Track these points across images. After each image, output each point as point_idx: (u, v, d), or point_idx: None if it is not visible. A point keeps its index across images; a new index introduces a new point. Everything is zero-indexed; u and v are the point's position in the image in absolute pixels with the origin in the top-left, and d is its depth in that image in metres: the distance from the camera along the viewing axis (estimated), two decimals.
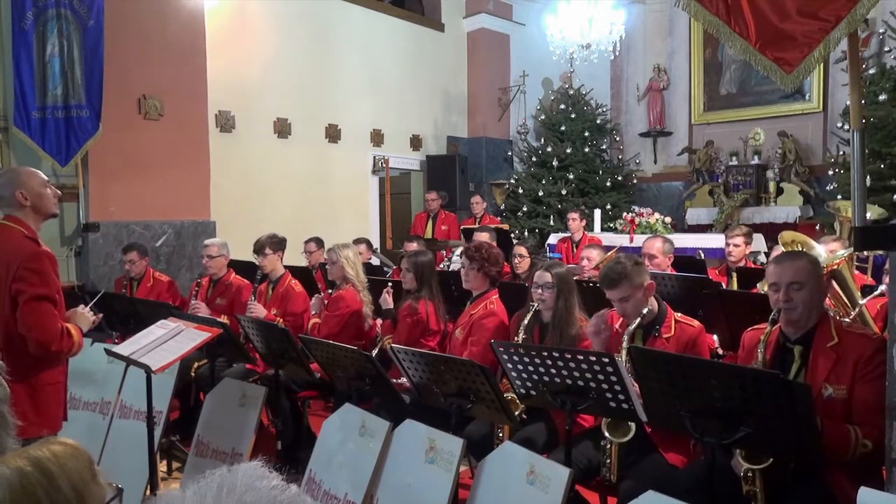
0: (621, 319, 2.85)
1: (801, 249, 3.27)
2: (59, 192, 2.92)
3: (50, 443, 1.15)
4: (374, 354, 3.18)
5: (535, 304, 3.06)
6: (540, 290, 3.06)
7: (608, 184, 9.67)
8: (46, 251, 2.73)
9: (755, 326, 2.49)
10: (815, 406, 1.96)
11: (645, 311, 2.70)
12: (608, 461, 2.52)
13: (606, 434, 2.50)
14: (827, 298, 3.00)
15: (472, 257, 3.56)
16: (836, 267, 3.02)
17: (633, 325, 2.68)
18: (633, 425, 2.48)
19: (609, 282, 2.71)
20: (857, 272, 3.67)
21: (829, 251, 3.51)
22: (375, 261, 7.00)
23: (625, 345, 2.62)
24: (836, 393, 2.15)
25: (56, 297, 2.70)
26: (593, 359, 2.24)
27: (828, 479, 2.11)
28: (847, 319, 2.92)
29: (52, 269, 2.71)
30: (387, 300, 3.96)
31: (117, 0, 5.84)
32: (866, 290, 3.24)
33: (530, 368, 2.40)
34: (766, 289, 3.56)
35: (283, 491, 0.82)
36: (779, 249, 4.01)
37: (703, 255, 5.98)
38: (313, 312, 4.26)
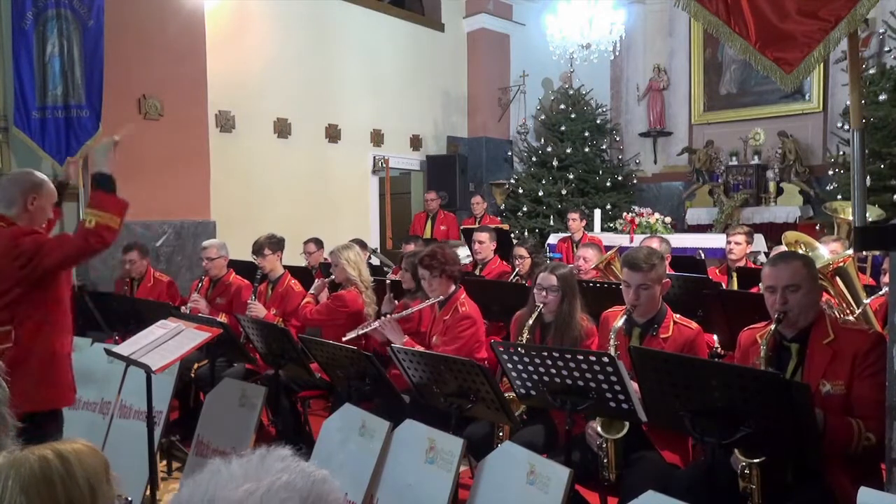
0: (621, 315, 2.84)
1: (804, 250, 3.28)
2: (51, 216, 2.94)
3: (73, 441, 1.22)
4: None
5: (539, 306, 3.05)
6: (544, 293, 3.04)
7: (608, 184, 9.67)
8: (28, 227, 2.75)
9: (751, 326, 2.50)
10: (814, 404, 1.96)
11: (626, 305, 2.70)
12: (605, 460, 2.52)
13: (601, 432, 2.50)
14: (831, 297, 3.01)
15: (430, 266, 3.45)
16: (841, 265, 3.02)
17: (619, 322, 2.67)
18: (626, 422, 2.48)
19: (636, 265, 2.69)
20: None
21: (831, 251, 3.51)
22: (375, 261, 7.00)
23: (612, 342, 2.63)
24: (835, 389, 2.15)
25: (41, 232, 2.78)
26: (593, 359, 2.23)
27: (828, 479, 2.11)
28: (851, 318, 2.92)
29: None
30: (390, 304, 3.94)
31: (117, 0, 5.83)
32: (866, 290, 3.24)
33: (530, 368, 2.40)
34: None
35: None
36: (780, 249, 4.03)
37: (703, 255, 5.99)
38: (311, 292, 4.27)
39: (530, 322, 3.03)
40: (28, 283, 2.65)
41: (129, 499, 1.27)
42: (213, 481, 0.76)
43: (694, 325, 2.78)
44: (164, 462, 3.90)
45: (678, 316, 2.79)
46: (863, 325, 2.60)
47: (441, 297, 3.49)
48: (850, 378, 2.15)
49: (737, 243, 4.81)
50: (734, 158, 9.49)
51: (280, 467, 0.78)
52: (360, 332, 3.56)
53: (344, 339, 3.53)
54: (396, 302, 4.02)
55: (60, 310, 2.81)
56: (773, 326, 2.26)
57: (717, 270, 4.92)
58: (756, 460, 2.11)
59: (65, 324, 2.84)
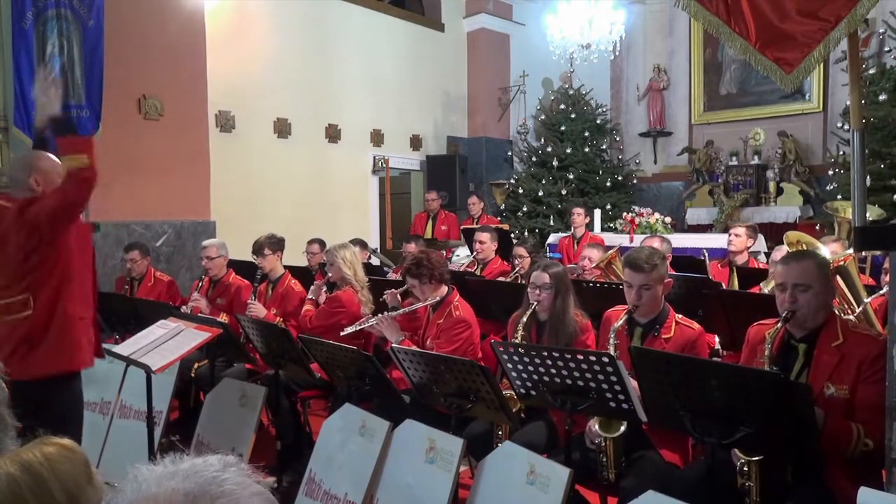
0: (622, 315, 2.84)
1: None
2: None
3: (44, 444, 1.12)
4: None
5: (533, 304, 3.05)
6: (538, 291, 3.04)
7: (608, 184, 9.67)
8: (25, 198, 2.78)
9: (761, 322, 2.47)
10: (814, 405, 1.95)
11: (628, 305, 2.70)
12: (605, 460, 2.52)
13: (599, 431, 2.50)
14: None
15: (417, 275, 3.44)
16: (842, 263, 3.02)
17: (620, 322, 2.68)
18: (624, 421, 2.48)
19: (637, 266, 2.69)
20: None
21: (831, 252, 3.51)
22: (375, 261, 7.00)
23: (612, 341, 2.63)
24: (839, 392, 2.14)
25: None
26: (593, 359, 2.23)
27: (828, 479, 2.11)
28: (851, 317, 2.92)
29: None
30: (395, 298, 3.90)
31: (117, 0, 5.83)
32: (866, 290, 3.23)
33: (530, 368, 2.40)
34: (769, 289, 3.58)
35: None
36: (782, 249, 4.03)
37: (706, 254, 5.98)
38: (310, 297, 4.26)
39: (524, 320, 3.04)
40: (41, 251, 2.73)
41: (116, 486, 1.22)
42: (132, 480, 0.79)
43: (696, 325, 2.77)
44: None
45: (680, 316, 2.79)
46: (873, 331, 2.56)
47: (437, 297, 3.50)
48: (854, 383, 2.12)
49: (736, 235, 4.85)
50: (734, 158, 9.50)
51: (192, 459, 0.82)
52: (358, 327, 3.56)
53: (342, 334, 3.54)
54: (399, 300, 4.00)
55: (73, 275, 2.86)
56: (778, 325, 2.23)
57: (718, 265, 4.94)
58: (755, 458, 2.10)
59: (80, 290, 2.89)
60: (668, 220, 7.83)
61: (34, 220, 2.70)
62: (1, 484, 1.02)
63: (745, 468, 2.13)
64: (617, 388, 2.22)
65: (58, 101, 2.91)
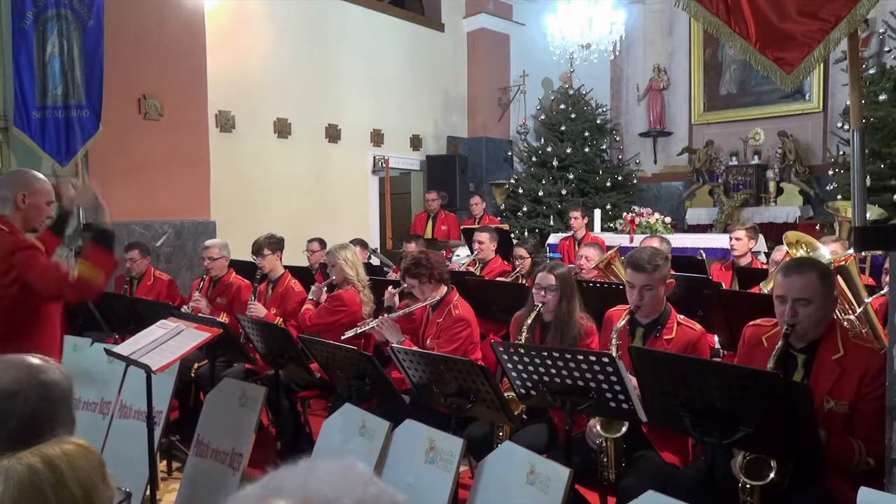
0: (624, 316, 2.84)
1: (805, 250, 3.26)
2: (52, 214, 2.90)
3: (63, 442, 1.17)
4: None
5: (538, 305, 3.05)
6: (543, 292, 3.04)
7: (608, 184, 9.67)
8: (30, 241, 2.72)
9: (757, 322, 2.45)
10: (814, 408, 1.94)
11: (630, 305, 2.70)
12: (605, 460, 2.52)
13: (601, 431, 2.50)
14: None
15: (416, 275, 3.44)
16: (843, 263, 3.01)
17: (622, 322, 2.67)
18: (625, 421, 2.47)
19: (640, 267, 2.68)
20: None
21: (831, 252, 3.51)
22: (375, 261, 7.00)
23: (614, 341, 2.63)
24: (839, 407, 2.11)
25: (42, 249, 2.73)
26: (593, 359, 2.23)
27: (827, 483, 2.10)
28: (851, 317, 2.91)
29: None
30: (392, 299, 3.90)
31: (117, 0, 5.83)
32: (867, 290, 3.23)
33: (530, 368, 2.39)
34: (768, 289, 3.57)
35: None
36: (782, 250, 4.02)
37: (703, 254, 5.99)
38: (310, 298, 4.26)
39: (529, 321, 3.03)
40: (12, 297, 2.62)
41: (129, 490, 1.24)
42: (305, 470, 0.76)
43: (698, 326, 2.77)
44: (164, 462, 3.89)
45: (682, 317, 2.78)
46: (875, 344, 2.51)
47: (437, 297, 3.49)
48: (855, 398, 2.09)
49: (737, 239, 4.88)
50: (734, 158, 9.50)
51: (370, 481, 0.80)
52: (359, 331, 3.56)
53: (342, 338, 3.54)
54: (398, 300, 4.00)
55: (46, 329, 2.77)
56: (780, 343, 2.17)
57: (721, 266, 4.94)
58: (758, 483, 2.05)
59: (51, 344, 2.80)
60: (668, 220, 7.83)
61: (19, 273, 2.59)
62: (23, 474, 1.08)
63: (748, 486, 2.10)
64: (617, 388, 2.22)
65: (106, 213, 2.87)
